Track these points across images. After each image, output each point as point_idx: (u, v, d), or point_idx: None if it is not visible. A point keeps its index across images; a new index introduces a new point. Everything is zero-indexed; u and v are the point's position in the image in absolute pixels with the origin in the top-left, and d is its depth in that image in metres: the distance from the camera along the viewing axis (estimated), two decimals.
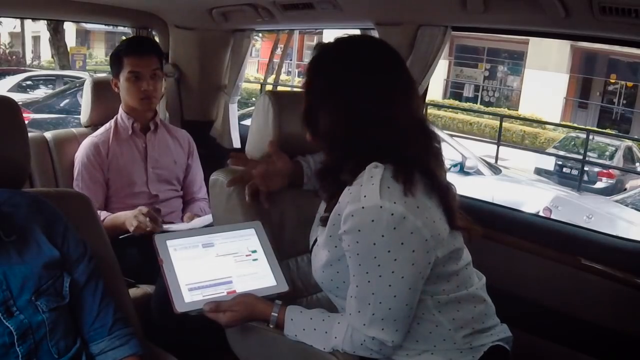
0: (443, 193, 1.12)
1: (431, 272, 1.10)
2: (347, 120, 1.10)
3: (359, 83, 1.10)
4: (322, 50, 1.17)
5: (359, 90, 1.09)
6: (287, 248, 1.44)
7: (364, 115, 1.09)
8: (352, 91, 1.10)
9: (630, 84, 14.31)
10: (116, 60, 2.00)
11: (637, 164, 8.97)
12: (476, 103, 15.53)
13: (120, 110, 2.05)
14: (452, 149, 5.32)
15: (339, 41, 1.17)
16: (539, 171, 7.95)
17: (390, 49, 1.16)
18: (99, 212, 1.88)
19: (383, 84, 1.10)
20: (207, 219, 1.84)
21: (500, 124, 8.80)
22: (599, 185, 7.65)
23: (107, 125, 2.05)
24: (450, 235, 1.12)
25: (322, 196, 1.24)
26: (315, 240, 1.24)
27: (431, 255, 1.08)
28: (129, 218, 1.81)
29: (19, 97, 6.73)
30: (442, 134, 5.92)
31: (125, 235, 1.82)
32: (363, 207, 1.04)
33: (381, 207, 1.03)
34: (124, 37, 2.25)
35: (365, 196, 1.04)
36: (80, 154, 1.99)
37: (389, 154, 1.09)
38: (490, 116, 12.71)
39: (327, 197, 1.21)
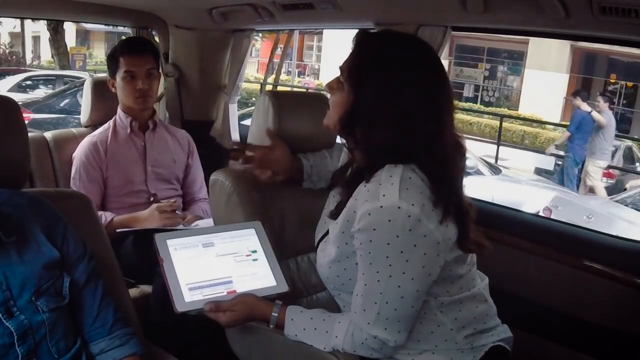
0: (462, 213, 1.11)
1: (438, 275, 1.10)
2: (398, 134, 1.07)
3: (415, 96, 1.07)
4: (370, 46, 1.12)
5: (415, 104, 1.06)
6: (287, 248, 1.44)
7: (415, 129, 1.07)
8: (409, 105, 1.06)
9: (630, 84, 14.30)
10: (112, 60, 2.03)
11: (637, 164, 8.96)
12: (476, 103, 15.51)
13: (119, 110, 2.07)
14: None
15: (387, 39, 1.14)
16: (539, 171, 7.93)
17: (435, 53, 1.15)
18: (103, 213, 1.90)
19: (434, 96, 1.09)
20: (210, 222, 1.84)
21: (500, 124, 8.79)
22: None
23: (106, 125, 2.07)
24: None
25: (342, 194, 1.19)
26: (324, 235, 1.24)
27: (441, 258, 1.08)
28: (150, 217, 1.86)
29: (19, 97, 6.72)
30: None
31: (126, 230, 1.83)
32: (381, 207, 1.04)
33: (399, 207, 1.03)
34: (123, 37, 2.26)
35: (384, 195, 1.04)
36: (79, 152, 2.00)
37: (424, 165, 1.08)
38: (490, 116, 12.70)
39: (346, 195, 1.16)
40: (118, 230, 1.82)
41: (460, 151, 1.14)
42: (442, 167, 1.09)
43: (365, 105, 1.09)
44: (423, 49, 1.14)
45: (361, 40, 1.13)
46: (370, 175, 1.09)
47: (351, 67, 1.12)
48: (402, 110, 1.06)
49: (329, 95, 1.20)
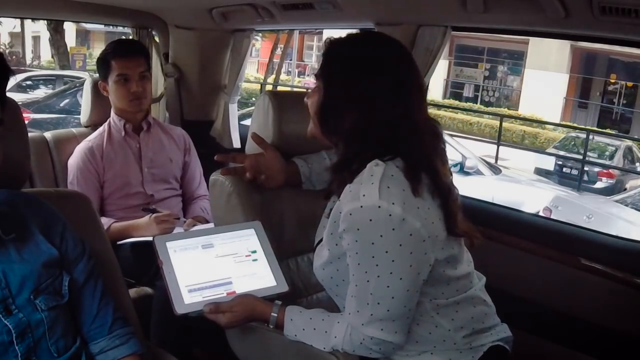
0: (445, 195, 1.11)
1: (430, 275, 1.10)
2: (363, 118, 1.10)
3: (376, 81, 1.10)
4: (336, 47, 1.16)
5: (376, 88, 1.09)
6: (287, 248, 1.44)
7: (380, 112, 1.09)
8: (369, 89, 1.09)
9: (630, 84, 14.30)
10: (104, 63, 2.00)
11: (637, 164, 8.98)
12: (476, 103, 15.52)
13: (112, 113, 2.05)
14: (452, 149, 5.33)
15: (352, 38, 1.17)
16: (539, 171, 7.95)
17: (402, 46, 1.16)
18: (101, 219, 1.90)
19: (399, 82, 1.10)
20: (208, 227, 1.84)
21: (500, 124, 8.79)
22: (599, 185, 7.65)
23: (100, 129, 2.05)
24: (447, 239, 1.11)
25: (335, 191, 1.20)
26: (321, 239, 1.24)
27: (430, 257, 1.08)
28: (148, 226, 1.84)
29: (19, 97, 6.73)
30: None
31: (126, 240, 1.83)
32: (361, 207, 1.04)
33: (379, 207, 1.03)
34: (123, 38, 2.26)
35: (364, 195, 1.04)
36: (75, 158, 1.99)
37: (399, 151, 1.09)
38: (490, 116, 12.71)
39: (340, 191, 1.17)
40: (118, 243, 1.81)
41: (435, 133, 1.15)
42: (414, 147, 1.10)
43: (334, 94, 1.13)
44: (389, 44, 1.16)
45: (330, 46, 1.17)
46: (352, 176, 1.10)
47: (322, 68, 1.17)
48: (368, 94, 1.09)
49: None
